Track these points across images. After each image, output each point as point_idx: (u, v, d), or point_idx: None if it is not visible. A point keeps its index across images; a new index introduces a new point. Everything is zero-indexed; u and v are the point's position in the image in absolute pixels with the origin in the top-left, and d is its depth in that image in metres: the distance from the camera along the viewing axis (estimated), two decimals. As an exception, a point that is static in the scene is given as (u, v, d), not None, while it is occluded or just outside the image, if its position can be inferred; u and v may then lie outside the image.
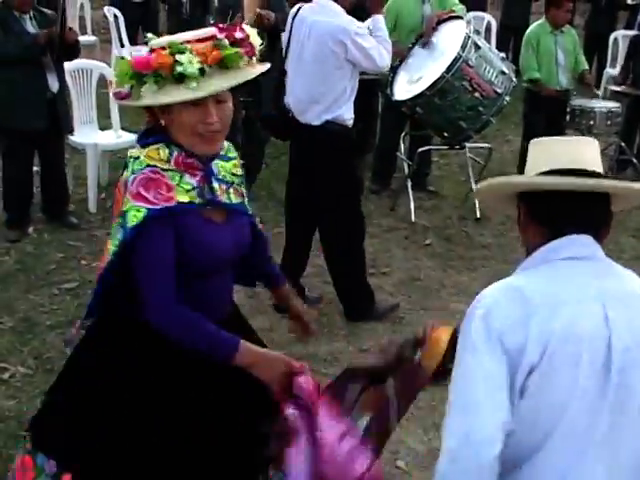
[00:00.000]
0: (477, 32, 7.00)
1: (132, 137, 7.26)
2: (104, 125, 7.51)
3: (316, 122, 5.15)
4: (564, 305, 1.90)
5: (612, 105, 8.28)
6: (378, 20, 5.35)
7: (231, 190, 2.66)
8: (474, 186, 7.40)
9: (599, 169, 2.07)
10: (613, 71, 11.46)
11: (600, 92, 11.15)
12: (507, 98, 6.79)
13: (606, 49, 12.59)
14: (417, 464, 4.13)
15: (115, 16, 11.13)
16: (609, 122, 8.09)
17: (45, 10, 6.40)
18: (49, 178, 6.67)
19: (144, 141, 2.53)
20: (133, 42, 11.46)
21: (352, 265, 5.49)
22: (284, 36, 5.43)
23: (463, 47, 6.43)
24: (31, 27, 6.19)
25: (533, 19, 12.91)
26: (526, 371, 1.86)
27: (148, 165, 2.46)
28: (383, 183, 7.88)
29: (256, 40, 2.53)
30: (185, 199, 2.48)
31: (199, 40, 2.44)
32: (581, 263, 2.00)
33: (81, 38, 6.86)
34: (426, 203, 7.24)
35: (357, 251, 5.52)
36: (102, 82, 7.37)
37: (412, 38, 7.06)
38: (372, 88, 7.94)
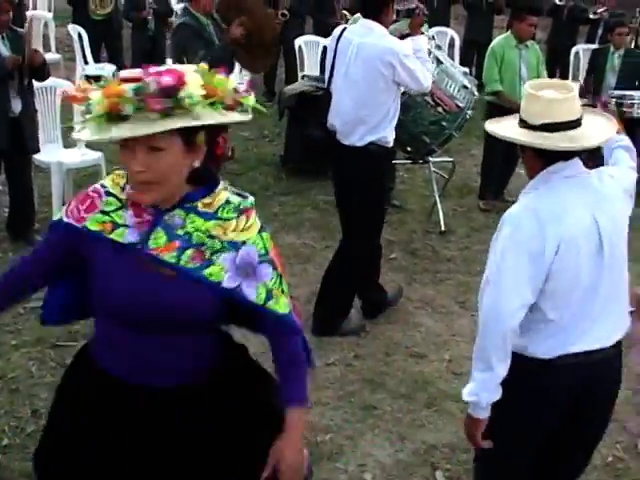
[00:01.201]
0: (439, 47, 7.08)
1: (97, 155, 7.27)
2: (68, 143, 7.49)
3: (359, 143, 5.19)
4: (565, 215, 2.78)
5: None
6: (419, 41, 5.56)
7: (189, 251, 2.33)
8: (438, 200, 7.46)
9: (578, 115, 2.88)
10: (576, 84, 11.58)
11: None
12: (469, 112, 6.87)
13: (568, 63, 12.74)
14: (385, 477, 4.15)
15: (79, 34, 11.11)
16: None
17: (18, 29, 6.41)
18: (16, 197, 6.66)
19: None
20: (97, 60, 11.46)
21: (350, 288, 5.53)
22: (327, 57, 5.50)
23: (425, 62, 6.48)
24: (3, 47, 6.19)
25: (496, 33, 13.06)
26: (548, 263, 2.76)
27: (102, 185, 2.43)
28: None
29: (196, 90, 2.19)
30: (95, 227, 2.37)
31: (124, 80, 2.19)
32: (572, 180, 2.87)
33: (45, 56, 6.82)
34: (391, 217, 7.27)
35: (362, 276, 5.58)
36: (66, 100, 7.33)
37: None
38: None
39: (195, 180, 2.36)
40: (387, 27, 5.24)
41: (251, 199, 2.51)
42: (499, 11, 13.48)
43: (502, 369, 2.82)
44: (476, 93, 7.03)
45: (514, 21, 8.10)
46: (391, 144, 5.36)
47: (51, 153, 7.07)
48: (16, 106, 6.28)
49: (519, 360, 2.87)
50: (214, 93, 2.22)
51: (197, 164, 2.30)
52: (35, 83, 6.59)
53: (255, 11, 6.85)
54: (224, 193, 2.42)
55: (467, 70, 10.55)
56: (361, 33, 5.21)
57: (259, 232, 2.44)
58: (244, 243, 2.38)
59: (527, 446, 3.08)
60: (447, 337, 5.58)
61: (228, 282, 2.34)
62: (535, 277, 2.77)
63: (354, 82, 5.16)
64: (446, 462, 4.26)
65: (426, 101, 6.57)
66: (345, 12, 11.67)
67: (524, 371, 2.88)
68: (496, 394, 2.85)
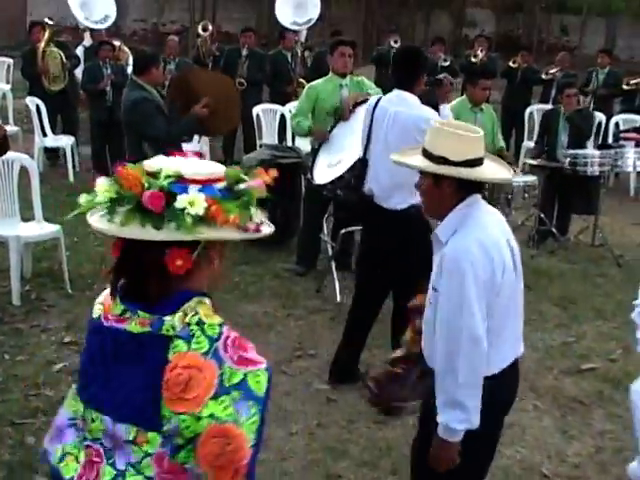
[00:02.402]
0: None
1: (55, 228, 7.25)
2: (27, 217, 7.47)
3: (401, 206, 5.47)
4: (498, 241, 3.11)
5: (529, 179, 8.53)
6: (446, 108, 6.08)
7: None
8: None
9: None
10: (530, 144, 11.80)
11: (519, 165, 11.45)
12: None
13: (523, 123, 12.99)
14: None
15: (37, 106, 11.15)
16: (527, 195, 8.31)
17: None
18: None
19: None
20: (55, 131, 11.50)
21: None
22: (363, 125, 5.85)
23: (379, 129, 6.58)
24: None
25: (452, 96, 13.29)
26: (498, 286, 3.07)
27: (220, 324, 2.09)
28: (308, 265, 7.93)
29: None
30: None
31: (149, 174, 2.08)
32: (484, 208, 3.22)
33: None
34: (351, 283, 7.28)
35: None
36: (24, 173, 7.33)
37: (330, 121, 7.21)
38: (294, 171, 8.06)
39: None
40: (418, 96, 5.67)
41: None
42: (454, 75, 13.73)
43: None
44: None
45: (468, 85, 8.26)
46: None
47: (9, 227, 7.04)
48: (-28, 182, 6.25)
49: None
50: (217, 219, 2.03)
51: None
52: (-8, 157, 6.59)
53: (213, 90, 6.96)
54: None
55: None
56: (396, 102, 5.59)
57: None
58: None
59: (489, 461, 3.49)
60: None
61: None
62: (488, 301, 3.06)
63: (391, 148, 5.28)
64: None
65: (382, 167, 6.64)
66: (302, 80, 11.85)
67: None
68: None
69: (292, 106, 10.63)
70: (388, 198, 5.52)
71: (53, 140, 11.42)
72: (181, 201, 1.98)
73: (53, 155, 11.89)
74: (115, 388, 2.08)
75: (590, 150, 9.18)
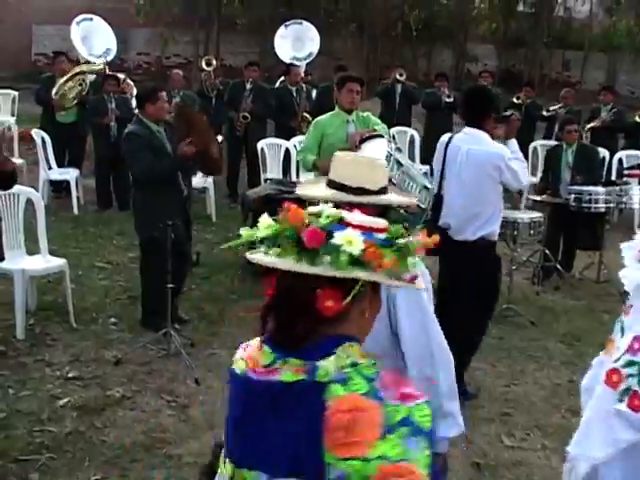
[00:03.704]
0: (399, 149, 7.14)
1: (60, 262, 7.24)
2: (32, 250, 7.46)
3: (472, 238, 5.86)
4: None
5: (534, 215, 8.52)
6: (514, 143, 6.36)
7: None
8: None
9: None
10: (534, 179, 11.82)
11: (523, 202, 11.48)
12: (431, 213, 6.95)
13: (527, 159, 13.00)
14: None
15: (42, 138, 11.18)
16: (532, 231, 8.30)
17: None
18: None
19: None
20: (60, 164, 11.51)
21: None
22: (435, 163, 6.28)
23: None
24: None
25: (456, 129, 13.33)
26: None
27: (374, 364, 2.05)
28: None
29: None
30: None
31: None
32: None
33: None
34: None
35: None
36: (29, 206, 7.34)
37: (337, 156, 7.22)
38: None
39: None
40: (489, 133, 6.05)
41: None
42: (457, 110, 13.82)
43: None
44: (437, 193, 7.14)
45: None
46: (496, 238, 6.09)
47: (14, 260, 7.02)
48: (-21, 215, 6.24)
49: None
50: (373, 262, 1.97)
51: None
52: (-1, 190, 6.58)
53: (202, 130, 7.03)
54: None
55: (427, 170, 10.72)
56: (468, 140, 6.00)
57: None
58: None
59: None
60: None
61: None
62: None
63: (466, 184, 5.90)
64: None
65: (388, 203, 6.65)
66: (306, 115, 11.89)
67: None
68: None
69: (297, 141, 10.67)
70: (462, 230, 5.88)
71: (58, 173, 11.44)
72: (339, 238, 1.94)
73: (58, 187, 11.89)
74: (271, 442, 1.98)
75: (595, 187, 9.19)
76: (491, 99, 6.28)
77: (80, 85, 11.74)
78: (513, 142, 6.41)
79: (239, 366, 2.09)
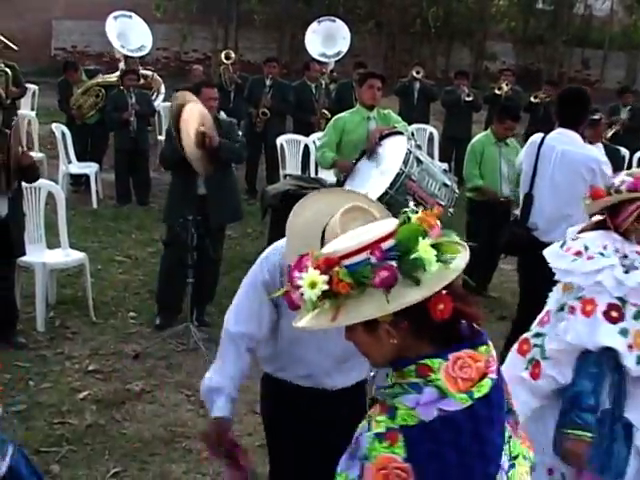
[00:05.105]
0: (419, 147, 7.16)
1: (80, 255, 7.28)
2: (52, 243, 7.50)
3: (561, 239, 5.72)
4: None
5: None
6: (600, 147, 6.50)
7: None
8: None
9: None
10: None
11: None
12: (451, 210, 6.93)
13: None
14: None
15: (62, 132, 11.22)
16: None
17: (3, 129, 6.27)
18: (-1, 300, 6.58)
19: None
20: (81, 159, 11.56)
21: None
22: (525, 162, 6.21)
23: (405, 163, 6.57)
24: None
25: (474, 128, 13.33)
26: None
27: None
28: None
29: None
30: None
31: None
32: None
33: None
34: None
35: None
36: (50, 200, 7.37)
37: (356, 153, 7.21)
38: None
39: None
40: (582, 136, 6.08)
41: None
42: (477, 109, 13.85)
43: None
44: (457, 191, 7.10)
45: (495, 121, 8.26)
46: None
47: (35, 254, 7.04)
48: (2, 209, 6.26)
49: None
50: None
51: (394, 341, 1.99)
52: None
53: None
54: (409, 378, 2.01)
55: (447, 167, 10.72)
56: (562, 141, 5.97)
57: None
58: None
59: None
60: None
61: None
62: None
63: (558, 184, 5.87)
64: None
65: (408, 200, 6.64)
66: (325, 111, 11.89)
67: None
68: None
69: (316, 137, 10.66)
70: (551, 231, 5.74)
71: (78, 167, 11.48)
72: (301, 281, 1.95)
73: (77, 181, 11.94)
74: None
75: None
76: (588, 101, 6.21)
77: (96, 97, 11.81)
78: (600, 146, 6.45)
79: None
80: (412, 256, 1.88)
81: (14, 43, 12.08)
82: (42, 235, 7.33)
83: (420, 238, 1.90)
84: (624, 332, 3.39)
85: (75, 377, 6.08)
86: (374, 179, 6.87)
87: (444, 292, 1.90)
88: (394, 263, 1.88)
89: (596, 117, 7.47)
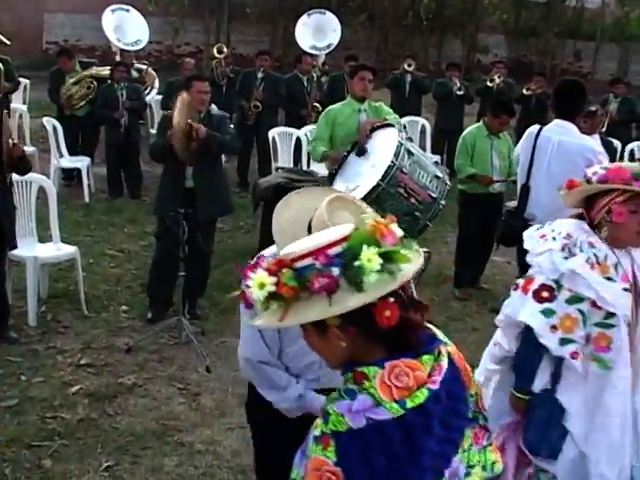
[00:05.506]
0: (410, 139, 7.15)
1: (72, 249, 7.27)
2: (43, 237, 7.48)
3: None
4: None
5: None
6: (597, 139, 6.50)
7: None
8: (414, 290, 7.42)
9: None
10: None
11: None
12: (443, 202, 6.92)
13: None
14: None
15: (54, 126, 11.18)
16: (544, 221, 8.27)
17: None
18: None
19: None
20: (72, 152, 11.52)
21: None
22: (522, 154, 6.32)
23: (396, 155, 6.57)
24: None
25: (466, 120, 13.32)
26: None
27: None
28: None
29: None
30: None
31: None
32: None
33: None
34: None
35: None
36: (41, 194, 7.35)
37: (347, 145, 7.21)
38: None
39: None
40: (578, 127, 6.14)
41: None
42: (469, 101, 13.85)
43: None
44: (448, 182, 7.10)
45: (489, 114, 8.20)
46: None
47: (26, 248, 7.02)
48: (-7, 201, 6.22)
49: None
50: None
51: (344, 344, 2.04)
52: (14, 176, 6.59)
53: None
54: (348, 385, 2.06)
55: (438, 160, 10.71)
56: (559, 132, 6.07)
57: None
58: None
59: None
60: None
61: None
62: None
63: (555, 175, 5.85)
64: None
65: (399, 193, 6.63)
66: (316, 104, 11.88)
67: None
68: None
69: (308, 130, 10.66)
70: (547, 222, 5.77)
71: (69, 161, 11.45)
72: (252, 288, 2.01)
73: (68, 175, 11.91)
74: None
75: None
76: (584, 92, 6.29)
77: (88, 88, 11.71)
78: (596, 137, 6.47)
79: None
80: (356, 263, 1.91)
81: (7, 37, 12.02)
82: (33, 229, 7.31)
83: (365, 246, 1.93)
84: (548, 312, 3.54)
85: (67, 371, 6.07)
86: (365, 172, 6.86)
87: (391, 300, 1.95)
88: (337, 269, 1.92)
89: (592, 109, 7.49)
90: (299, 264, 1.96)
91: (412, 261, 2.00)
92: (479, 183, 7.96)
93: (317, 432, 1.98)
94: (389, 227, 2.01)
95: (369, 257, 1.91)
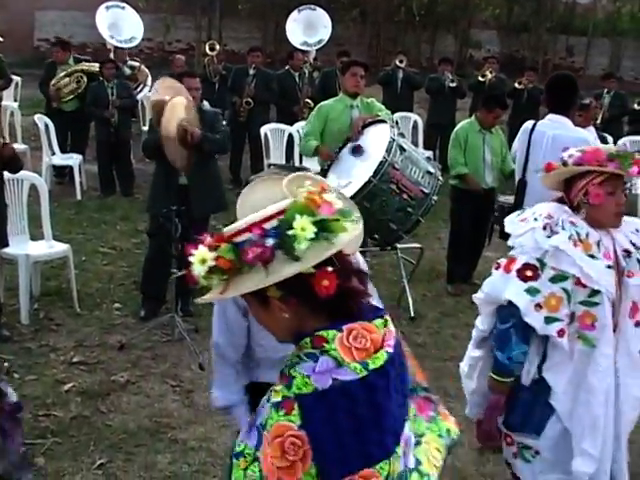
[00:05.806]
0: (402, 135, 7.17)
1: (64, 247, 7.25)
2: (35, 235, 7.46)
3: None
4: None
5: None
6: (592, 131, 6.56)
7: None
8: (407, 286, 7.46)
9: None
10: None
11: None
12: (435, 197, 6.94)
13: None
14: None
15: (45, 124, 11.15)
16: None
17: None
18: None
19: None
20: (64, 150, 11.49)
21: None
22: (518, 149, 6.39)
23: (388, 151, 6.59)
24: None
25: (458, 115, 13.33)
26: None
27: None
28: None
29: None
30: None
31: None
32: None
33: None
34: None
35: None
36: (33, 192, 7.33)
37: (340, 141, 7.22)
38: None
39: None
40: (573, 121, 6.23)
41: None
42: (462, 95, 13.86)
43: None
44: (440, 178, 7.12)
45: (481, 109, 8.18)
46: None
47: (18, 245, 7.00)
48: (-16, 200, 6.22)
49: None
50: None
51: (286, 315, 2.06)
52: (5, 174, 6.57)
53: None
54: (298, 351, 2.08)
55: (430, 155, 10.73)
56: (553, 126, 6.13)
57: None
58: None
59: None
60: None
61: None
62: None
63: None
64: None
65: (391, 188, 6.65)
66: (308, 100, 11.87)
67: None
68: None
69: (300, 126, 10.65)
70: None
71: (61, 158, 11.42)
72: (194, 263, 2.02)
73: (60, 173, 11.88)
74: None
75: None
76: (576, 86, 6.33)
77: (77, 82, 11.64)
78: (591, 130, 6.51)
79: None
80: (289, 232, 1.94)
81: (-1, 35, 12.02)
82: (25, 227, 7.28)
83: (299, 215, 1.94)
84: (532, 291, 3.57)
85: (60, 369, 6.06)
86: (357, 167, 6.88)
87: (329, 269, 1.97)
88: (272, 240, 1.95)
89: (586, 101, 7.50)
90: (238, 239, 1.98)
91: (349, 230, 2.01)
92: (467, 184, 7.97)
93: (277, 398, 1.97)
94: (323, 197, 2.00)
95: (302, 226, 1.92)
